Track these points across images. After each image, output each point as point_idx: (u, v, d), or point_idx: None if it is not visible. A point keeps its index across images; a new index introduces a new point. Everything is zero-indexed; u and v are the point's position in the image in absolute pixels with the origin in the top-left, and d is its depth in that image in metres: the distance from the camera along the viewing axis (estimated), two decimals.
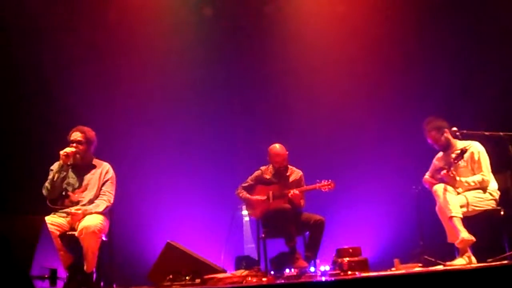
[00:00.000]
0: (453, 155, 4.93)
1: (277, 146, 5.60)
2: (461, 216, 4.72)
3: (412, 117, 6.23)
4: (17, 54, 6.10)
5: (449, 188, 4.85)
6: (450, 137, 5.10)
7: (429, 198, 5.11)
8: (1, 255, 3.30)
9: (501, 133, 4.84)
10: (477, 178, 4.89)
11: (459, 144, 5.08)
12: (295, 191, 5.33)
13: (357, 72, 6.58)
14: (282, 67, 6.74)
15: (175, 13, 6.67)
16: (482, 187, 4.90)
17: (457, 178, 4.89)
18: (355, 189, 6.34)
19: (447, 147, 5.12)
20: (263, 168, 5.69)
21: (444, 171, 4.90)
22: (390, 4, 6.58)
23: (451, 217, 4.71)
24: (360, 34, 6.59)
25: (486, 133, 4.96)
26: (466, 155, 4.93)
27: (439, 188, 4.87)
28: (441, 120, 5.14)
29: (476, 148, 5.00)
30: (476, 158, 4.96)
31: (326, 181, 5.33)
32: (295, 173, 5.62)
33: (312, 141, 6.55)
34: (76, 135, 4.74)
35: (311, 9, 6.77)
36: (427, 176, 5.24)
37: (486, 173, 4.91)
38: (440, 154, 5.25)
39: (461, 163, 4.94)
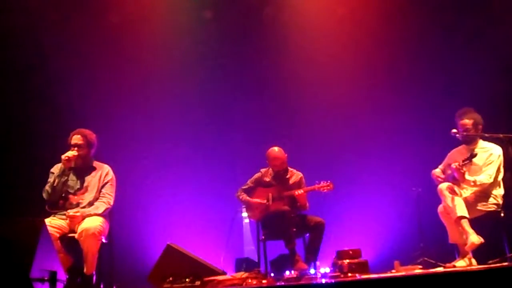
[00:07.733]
0: (462, 159, 4.85)
1: (275, 150, 5.57)
2: (468, 216, 4.68)
3: (412, 119, 6.26)
4: (17, 55, 6.10)
5: (456, 188, 4.82)
6: (478, 134, 5.00)
7: (429, 200, 5.10)
8: (1, 257, 3.30)
9: (501, 135, 4.83)
10: (482, 178, 4.80)
11: (482, 144, 5.01)
12: (300, 191, 5.32)
13: (357, 73, 6.56)
14: (282, 70, 6.74)
15: (176, 15, 6.68)
16: (484, 189, 4.84)
17: (466, 176, 4.81)
18: (355, 191, 6.33)
19: (470, 142, 5.03)
20: (263, 170, 5.68)
21: (456, 164, 4.80)
22: (392, 5, 6.57)
23: (460, 217, 4.65)
24: (362, 35, 6.57)
25: (486, 135, 4.95)
26: (484, 155, 4.88)
27: (444, 187, 4.83)
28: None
29: (495, 151, 4.92)
30: (491, 159, 4.88)
31: (325, 182, 5.32)
32: (295, 175, 5.61)
33: (312, 143, 6.54)
34: (76, 139, 4.74)
35: (312, 11, 6.77)
36: (438, 169, 5.12)
37: (492, 175, 4.82)
38: (455, 149, 5.17)
39: (475, 160, 4.84)
